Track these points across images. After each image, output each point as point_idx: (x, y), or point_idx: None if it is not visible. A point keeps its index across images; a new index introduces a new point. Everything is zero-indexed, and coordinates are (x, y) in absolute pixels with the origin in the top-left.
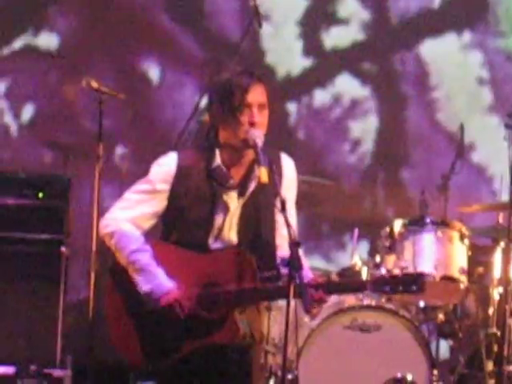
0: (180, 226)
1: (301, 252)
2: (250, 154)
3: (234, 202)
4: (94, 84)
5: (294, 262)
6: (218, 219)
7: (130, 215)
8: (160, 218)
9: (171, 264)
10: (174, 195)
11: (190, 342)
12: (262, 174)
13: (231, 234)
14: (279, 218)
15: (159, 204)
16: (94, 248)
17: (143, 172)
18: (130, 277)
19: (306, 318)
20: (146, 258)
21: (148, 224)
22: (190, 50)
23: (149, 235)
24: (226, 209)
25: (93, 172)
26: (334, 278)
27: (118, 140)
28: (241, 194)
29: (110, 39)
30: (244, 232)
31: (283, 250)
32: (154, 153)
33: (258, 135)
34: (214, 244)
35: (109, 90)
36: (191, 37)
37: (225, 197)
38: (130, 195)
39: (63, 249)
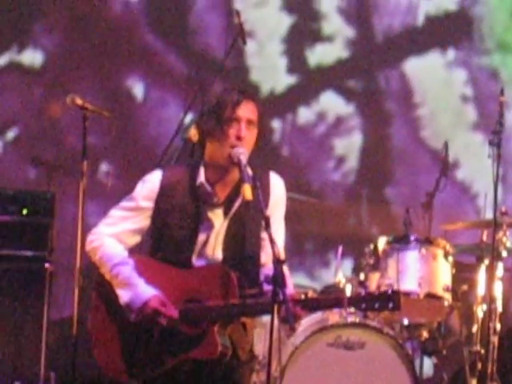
0: (165, 243)
1: (285, 269)
2: (235, 172)
3: (219, 219)
4: (79, 101)
5: (277, 279)
6: (202, 236)
7: (113, 231)
8: (148, 235)
9: (154, 280)
10: (159, 212)
11: (171, 358)
12: (246, 191)
13: (216, 251)
14: (265, 235)
15: (143, 221)
16: (77, 264)
17: (128, 188)
18: (114, 292)
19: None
20: (127, 270)
21: (132, 240)
22: (174, 67)
23: (137, 250)
24: (210, 226)
25: (77, 189)
26: (312, 294)
27: (103, 157)
28: (226, 212)
29: (94, 56)
30: (229, 249)
31: (269, 267)
32: (138, 169)
33: (242, 152)
34: (198, 261)
35: (93, 107)
36: (175, 54)
37: (210, 214)
38: (115, 212)
39: (47, 265)
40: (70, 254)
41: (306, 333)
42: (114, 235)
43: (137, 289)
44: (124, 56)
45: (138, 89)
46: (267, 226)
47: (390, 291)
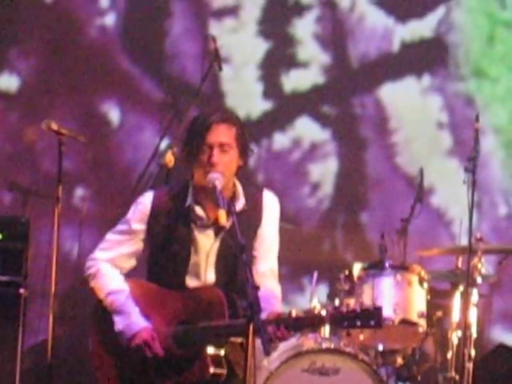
0: (159, 266)
1: (276, 286)
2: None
3: (210, 240)
4: (54, 126)
5: (253, 305)
6: (194, 258)
7: (109, 256)
8: (144, 258)
9: (149, 303)
10: (151, 235)
11: (166, 381)
12: (221, 216)
13: (208, 273)
14: (257, 253)
15: (136, 244)
16: (52, 289)
17: (103, 214)
18: (110, 319)
19: (265, 361)
20: (121, 298)
21: (128, 264)
22: (150, 92)
23: (134, 273)
24: (201, 248)
25: (52, 213)
26: (296, 313)
27: (78, 181)
28: (217, 232)
29: (70, 81)
30: (221, 270)
31: (262, 285)
32: (113, 194)
33: (217, 177)
34: (191, 282)
35: (69, 131)
36: (151, 79)
37: (200, 235)
38: (110, 236)
39: (22, 290)
40: (44, 279)
41: (280, 358)
42: (109, 260)
43: (130, 318)
44: (100, 81)
45: (113, 114)
46: (241, 253)
47: (372, 308)
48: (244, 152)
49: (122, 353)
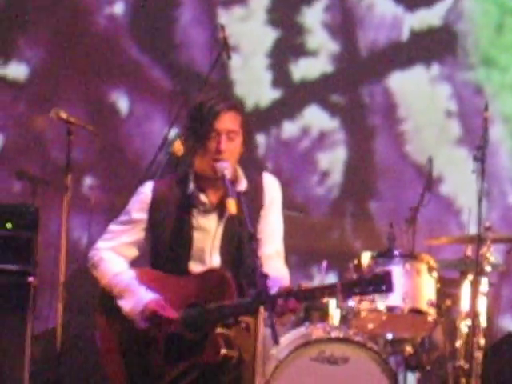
0: (162, 253)
1: (280, 263)
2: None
3: (213, 224)
4: (63, 115)
5: (261, 294)
6: (198, 243)
7: (111, 245)
8: (147, 247)
9: (156, 289)
10: (153, 223)
11: (176, 365)
12: (230, 205)
13: (214, 256)
14: (262, 235)
15: (138, 233)
16: (61, 278)
17: (112, 202)
18: (117, 307)
19: (274, 350)
20: (126, 278)
21: (130, 253)
22: (159, 81)
23: (138, 263)
24: (205, 232)
25: (61, 202)
26: (304, 285)
27: (87, 171)
28: (220, 216)
29: (78, 70)
30: (226, 252)
31: (269, 267)
32: (122, 184)
33: (226, 166)
34: (195, 268)
35: (77, 120)
36: (160, 68)
37: (204, 220)
38: (112, 226)
39: (31, 279)
40: (54, 267)
41: (289, 347)
42: (112, 249)
43: (136, 295)
44: (109, 70)
45: (122, 103)
46: (251, 241)
47: (381, 273)
48: (247, 139)
49: (130, 340)
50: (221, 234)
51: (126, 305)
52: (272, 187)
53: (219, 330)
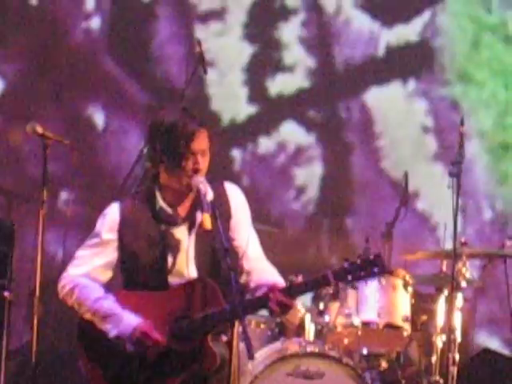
0: (137, 272)
1: (266, 265)
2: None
3: (184, 236)
4: (39, 129)
5: (237, 311)
6: (171, 256)
7: (84, 270)
8: (118, 269)
9: (137, 309)
10: (124, 243)
11: (173, 379)
12: (206, 220)
13: (190, 268)
14: (238, 242)
15: (110, 254)
16: (37, 293)
17: (87, 217)
18: (99, 333)
19: (250, 365)
20: (108, 303)
21: (104, 276)
22: (135, 95)
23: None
24: (178, 245)
25: (37, 217)
26: (296, 280)
27: (63, 185)
28: (191, 227)
29: (55, 84)
30: (202, 263)
31: (261, 269)
32: (98, 198)
33: (201, 181)
34: (175, 280)
35: (53, 135)
36: (136, 82)
37: (175, 234)
38: (81, 252)
39: (6, 294)
40: (29, 282)
41: (265, 362)
42: (84, 275)
43: (123, 319)
44: (85, 84)
45: (98, 117)
46: (225, 257)
47: (371, 256)
48: (213, 153)
49: (119, 365)
50: (193, 245)
51: (112, 329)
52: (235, 195)
53: (210, 338)
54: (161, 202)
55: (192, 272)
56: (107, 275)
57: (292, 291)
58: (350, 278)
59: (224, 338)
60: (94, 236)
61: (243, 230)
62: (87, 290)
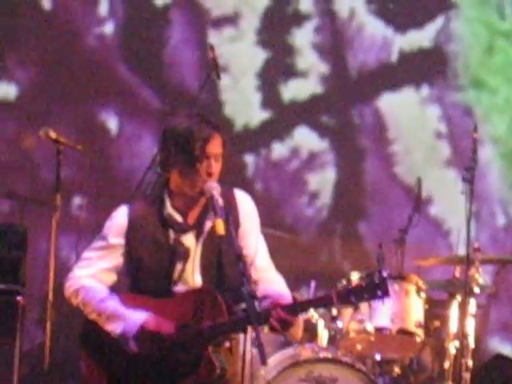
0: (143, 277)
1: (274, 275)
2: (203, 198)
3: (192, 243)
4: (52, 134)
5: (250, 315)
6: (179, 264)
7: (89, 272)
8: (124, 273)
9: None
10: (131, 247)
11: None
12: (219, 226)
13: (195, 276)
14: (247, 250)
15: (116, 259)
16: (50, 297)
17: (101, 222)
18: (103, 332)
19: (262, 371)
20: (113, 303)
21: (109, 279)
22: (148, 101)
23: (115, 289)
24: (185, 252)
25: (50, 222)
26: (298, 297)
27: (76, 190)
28: (198, 235)
29: (68, 90)
30: (207, 271)
31: (268, 279)
32: (111, 203)
33: (215, 187)
34: (179, 288)
35: (67, 140)
36: (149, 88)
37: (183, 241)
38: (88, 253)
39: (19, 298)
40: (42, 286)
41: (277, 368)
42: (90, 276)
43: (128, 317)
44: (98, 90)
45: (112, 122)
46: (239, 262)
47: (376, 279)
48: (226, 158)
49: (119, 370)
50: (200, 253)
51: (116, 328)
52: (245, 203)
53: (211, 348)
54: (169, 208)
55: (197, 280)
56: (112, 278)
57: (294, 309)
58: (353, 299)
59: (227, 345)
60: (101, 239)
61: (251, 239)
62: (92, 291)
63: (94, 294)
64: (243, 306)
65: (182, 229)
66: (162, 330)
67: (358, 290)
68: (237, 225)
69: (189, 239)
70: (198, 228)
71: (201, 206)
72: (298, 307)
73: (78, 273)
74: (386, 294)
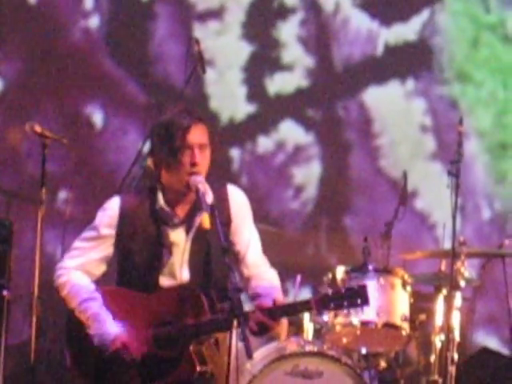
0: (130, 268)
1: (273, 273)
2: (193, 192)
3: (181, 238)
4: (38, 128)
5: (235, 308)
6: (167, 258)
7: (79, 262)
8: (114, 262)
9: (123, 309)
10: (121, 239)
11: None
12: (204, 219)
13: (183, 271)
14: (239, 246)
15: (106, 249)
16: (35, 292)
17: (86, 216)
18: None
19: (248, 364)
20: (94, 306)
21: (98, 270)
22: (134, 94)
23: (104, 279)
24: (174, 246)
25: (35, 216)
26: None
27: (61, 184)
28: (188, 230)
29: (53, 84)
30: (195, 267)
31: (257, 283)
32: (97, 197)
33: (200, 180)
34: (166, 282)
35: (52, 134)
36: (135, 82)
37: (172, 235)
38: (78, 243)
39: (5, 293)
40: (27, 281)
41: (263, 361)
42: (79, 267)
43: (104, 325)
44: (83, 83)
45: (97, 116)
46: (225, 255)
47: (356, 287)
48: (213, 151)
49: (102, 363)
50: (189, 247)
51: (93, 336)
52: (237, 198)
53: (193, 345)
54: (161, 202)
55: (185, 275)
56: (102, 269)
57: (273, 313)
58: (332, 305)
59: (212, 339)
60: (92, 229)
61: (244, 235)
62: (77, 288)
63: (77, 292)
64: (227, 304)
65: (173, 223)
66: (123, 353)
67: (337, 297)
68: (229, 220)
69: (178, 233)
70: (187, 223)
71: (191, 202)
72: (276, 311)
73: (68, 263)
74: (365, 302)
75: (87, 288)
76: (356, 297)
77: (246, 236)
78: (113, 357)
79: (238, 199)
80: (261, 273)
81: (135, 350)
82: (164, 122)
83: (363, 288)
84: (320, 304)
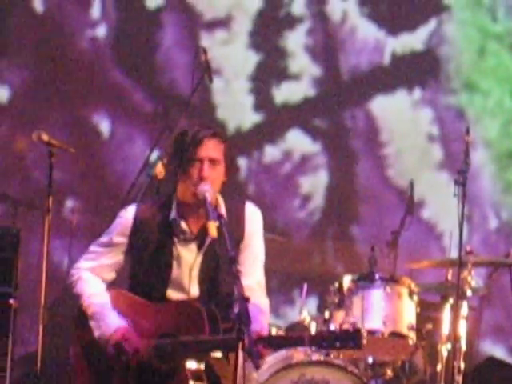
0: (140, 278)
1: (264, 304)
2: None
3: (192, 254)
4: (45, 137)
5: (241, 317)
6: (177, 271)
7: (91, 265)
8: (128, 269)
9: (131, 313)
10: (133, 247)
11: None
12: (211, 228)
13: (192, 286)
14: (243, 267)
15: (117, 256)
16: (42, 300)
17: (93, 225)
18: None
19: (255, 374)
20: (100, 301)
21: (108, 275)
22: (141, 103)
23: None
24: (184, 261)
25: (42, 224)
26: (275, 332)
27: (68, 193)
28: (200, 246)
29: (60, 93)
30: (205, 283)
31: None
32: (103, 206)
33: (207, 189)
34: (174, 295)
35: (59, 143)
36: (142, 91)
37: (183, 249)
38: (93, 247)
39: (12, 301)
40: (34, 290)
41: (270, 370)
42: (91, 269)
43: (106, 320)
44: (90, 92)
45: (104, 125)
46: (231, 265)
47: (351, 329)
48: (230, 168)
49: (103, 364)
50: (199, 264)
51: (95, 328)
52: (253, 218)
53: (189, 362)
54: (174, 214)
55: (194, 289)
56: (111, 275)
57: (268, 343)
58: (324, 344)
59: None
60: (107, 235)
61: (250, 256)
62: (87, 284)
63: (86, 288)
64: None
65: (185, 238)
66: (125, 346)
67: (331, 336)
68: (240, 238)
69: (190, 249)
70: (200, 239)
71: (205, 217)
72: (269, 341)
73: (82, 264)
74: (358, 346)
75: (95, 285)
76: (349, 339)
77: (253, 257)
78: (112, 358)
79: (254, 218)
80: (253, 298)
81: (136, 344)
82: (178, 136)
83: (358, 332)
84: (313, 341)
